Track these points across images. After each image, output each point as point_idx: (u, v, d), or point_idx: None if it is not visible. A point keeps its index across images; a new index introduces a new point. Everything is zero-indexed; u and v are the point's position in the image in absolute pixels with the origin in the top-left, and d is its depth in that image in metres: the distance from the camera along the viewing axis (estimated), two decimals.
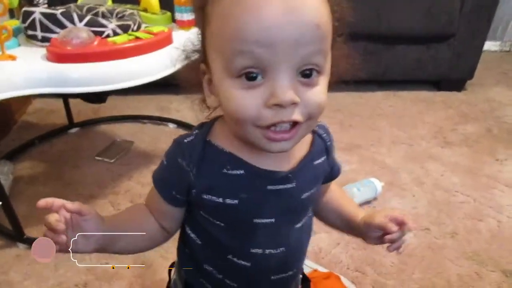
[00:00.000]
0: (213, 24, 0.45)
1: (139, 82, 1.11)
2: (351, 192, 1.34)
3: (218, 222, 0.55)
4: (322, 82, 0.46)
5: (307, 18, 0.41)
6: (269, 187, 0.53)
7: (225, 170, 0.52)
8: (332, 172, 0.63)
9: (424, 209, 1.37)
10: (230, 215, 0.54)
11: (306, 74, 0.44)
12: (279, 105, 0.42)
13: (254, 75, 0.42)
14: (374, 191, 1.38)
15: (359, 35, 2.11)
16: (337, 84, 0.53)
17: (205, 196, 0.53)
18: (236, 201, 0.52)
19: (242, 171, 0.52)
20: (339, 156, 1.65)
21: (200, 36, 0.50)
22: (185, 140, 0.53)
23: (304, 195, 0.56)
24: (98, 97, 1.25)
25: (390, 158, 1.66)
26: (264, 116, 0.43)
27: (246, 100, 0.43)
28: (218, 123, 0.54)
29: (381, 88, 2.32)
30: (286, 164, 0.54)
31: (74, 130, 1.77)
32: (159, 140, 1.64)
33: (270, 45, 0.41)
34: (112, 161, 1.54)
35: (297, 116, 0.44)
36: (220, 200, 0.52)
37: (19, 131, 1.76)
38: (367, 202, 1.37)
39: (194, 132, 0.54)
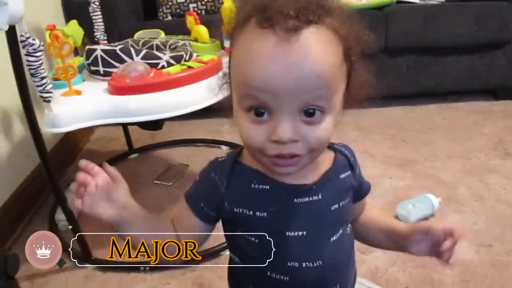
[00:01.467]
0: (232, 62, 0.51)
1: (193, 109, 1.18)
2: (406, 209, 1.32)
3: (252, 239, 0.57)
4: (327, 119, 0.49)
5: (307, 70, 0.45)
6: (296, 200, 0.56)
7: (252, 185, 0.56)
8: (362, 189, 0.65)
9: (486, 224, 1.31)
10: (262, 229, 0.56)
11: (309, 113, 0.47)
12: (280, 142, 0.47)
13: (262, 111, 0.47)
14: (431, 207, 1.34)
15: (406, 49, 2.11)
16: (371, 101, 0.56)
17: (236, 210, 0.56)
18: (265, 214, 0.55)
19: (267, 186, 0.55)
20: (393, 172, 1.63)
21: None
22: (219, 159, 0.59)
23: (333, 207, 0.58)
24: (155, 125, 1.32)
25: (446, 172, 1.61)
26: (268, 148, 0.48)
27: (253, 133, 0.49)
28: None
29: (434, 100, 2.27)
30: (310, 177, 0.57)
31: (133, 155, 1.87)
32: None
33: (272, 93, 0.45)
34: (170, 184, 1.61)
35: (297, 150, 0.48)
36: (251, 213, 0.55)
37: (83, 158, 1.88)
38: (424, 219, 1.34)
39: (228, 154, 0.60)
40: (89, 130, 2.09)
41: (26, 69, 1.01)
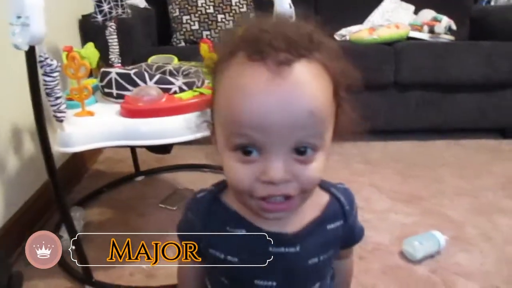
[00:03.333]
0: (217, 98, 0.48)
1: (203, 134, 1.18)
2: (412, 246, 1.30)
3: (222, 279, 0.57)
4: (319, 158, 0.46)
5: (300, 106, 0.42)
6: (271, 249, 0.53)
7: (228, 228, 0.54)
8: (352, 237, 0.61)
9: (494, 266, 1.29)
10: (232, 273, 0.55)
11: (301, 151, 0.45)
12: (271, 182, 0.44)
13: (250, 149, 0.45)
14: (437, 245, 1.32)
15: (416, 85, 2.12)
16: (368, 135, 0.54)
17: (210, 251, 0.55)
18: (236, 259, 0.53)
19: (243, 231, 0.53)
20: (399, 207, 1.61)
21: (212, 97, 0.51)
22: (198, 196, 0.57)
23: (311, 261, 0.55)
24: (164, 149, 1.33)
25: (453, 210, 1.59)
26: (257, 189, 0.45)
27: (241, 174, 0.46)
28: None
29: (442, 137, 2.27)
30: (291, 226, 0.53)
31: (140, 178, 1.87)
32: None
33: (264, 130, 0.43)
34: (174, 208, 1.60)
35: (289, 190, 0.46)
36: (222, 256, 0.54)
37: (90, 179, 1.89)
38: (431, 256, 1.31)
39: (210, 189, 0.58)
40: (97, 150, 2.09)
41: (42, 89, 1.02)
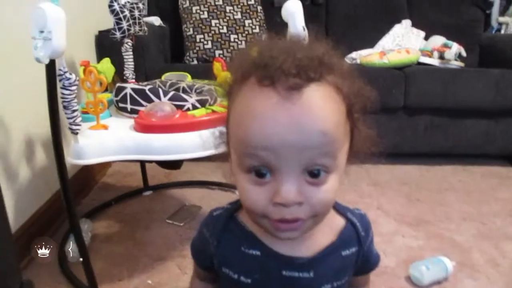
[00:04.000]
0: (230, 120, 0.49)
1: (214, 152, 1.19)
2: (419, 270, 1.29)
3: None
4: (332, 180, 0.46)
5: (311, 126, 0.43)
6: (284, 273, 0.52)
7: (242, 248, 0.54)
8: (367, 264, 0.61)
9: None
10: None
11: (314, 173, 0.45)
12: (283, 205, 0.44)
13: (264, 172, 0.45)
14: (445, 270, 1.31)
15: (425, 109, 2.14)
16: (376, 157, 0.54)
17: (223, 270, 0.55)
18: (249, 280, 0.53)
19: (258, 252, 0.53)
20: (406, 230, 1.61)
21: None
22: (214, 213, 0.58)
23: (324, 287, 0.54)
24: (175, 164, 1.35)
25: (460, 236, 1.59)
26: (270, 211, 0.45)
27: (255, 196, 0.46)
28: None
29: (449, 162, 2.27)
30: (306, 250, 0.53)
31: (148, 193, 1.88)
32: None
33: (275, 151, 0.43)
34: (181, 224, 1.61)
35: (300, 214, 0.45)
36: (236, 276, 0.54)
37: (99, 192, 1.90)
38: (438, 282, 1.30)
39: (226, 206, 0.58)
40: (107, 164, 2.12)
41: (59, 101, 1.05)
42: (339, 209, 0.57)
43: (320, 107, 0.43)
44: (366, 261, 0.60)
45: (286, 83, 0.43)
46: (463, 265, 1.40)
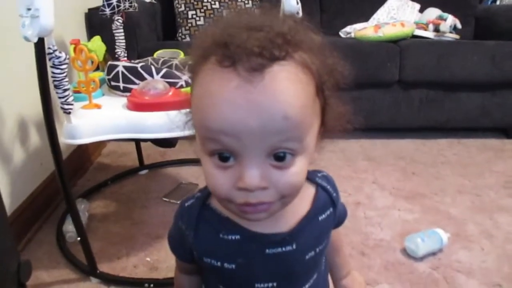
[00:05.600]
0: (192, 102, 0.46)
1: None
2: (414, 242, 1.31)
3: (220, 286, 0.56)
4: (299, 162, 0.44)
5: (272, 111, 0.40)
6: (267, 251, 0.52)
7: (221, 235, 0.52)
8: (340, 218, 0.62)
9: (494, 263, 1.30)
10: (230, 279, 0.54)
11: (279, 157, 0.43)
12: (247, 190, 0.43)
13: (226, 155, 0.43)
14: (440, 242, 1.33)
15: (420, 83, 2.13)
16: (364, 132, 0.53)
17: (205, 259, 0.54)
18: (233, 266, 0.52)
19: (238, 236, 0.52)
20: (401, 204, 1.62)
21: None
22: (186, 204, 0.56)
23: (308, 256, 0.54)
24: (169, 142, 1.34)
25: (455, 208, 1.60)
26: (235, 196, 0.44)
27: (219, 180, 0.44)
28: None
29: (445, 135, 2.28)
30: (285, 224, 0.52)
31: (143, 172, 1.88)
32: None
33: (235, 136, 0.41)
34: (178, 202, 1.60)
35: (266, 198, 0.44)
36: (218, 264, 0.53)
37: (94, 172, 1.90)
38: (432, 254, 1.32)
39: (196, 195, 0.56)
40: (101, 144, 2.11)
41: (50, 81, 1.03)
42: (308, 176, 0.55)
43: (283, 90, 0.40)
44: (339, 216, 0.61)
45: (247, 63, 0.40)
46: (457, 237, 1.41)
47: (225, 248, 0.52)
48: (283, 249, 0.52)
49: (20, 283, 0.72)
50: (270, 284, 0.54)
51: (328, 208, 0.57)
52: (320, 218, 0.55)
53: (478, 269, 1.27)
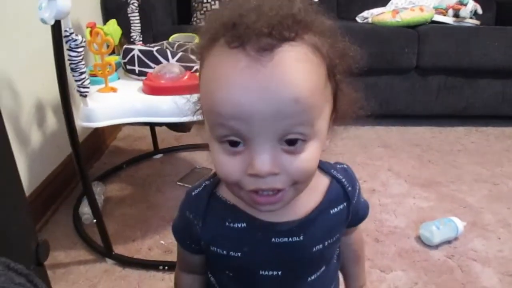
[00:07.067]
0: (201, 87, 0.45)
1: None
2: (429, 230, 1.29)
3: (227, 272, 0.56)
4: (310, 147, 0.43)
5: (283, 94, 0.39)
6: (273, 240, 0.51)
7: (227, 223, 0.52)
8: (357, 216, 0.60)
9: (511, 253, 1.28)
10: (235, 267, 0.54)
11: (290, 142, 0.41)
12: (258, 176, 0.42)
13: (236, 141, 0.42)
14: (455, 230, 1.32)
15: (438, 69, 2.09)
16: (368, 120, 0.50)
17: (211, 248, 0.53)
18: (239, 254, 0.52)
19: (244, 224, 0.51)
20: (417, 192, 1.60)
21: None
22: (193, 193, 0.55)
23: (316, 248, 0.53)
24: (184, 127, 1.34)
25: (472, 197, 1.58)
26: (245, 183, 0.43)
27: (229, 167, 0.43)
28: None
29: (463, 123, 2.24)
30: (293, 215, 0.51)
31: (158, 156, 1.90)
32: None
33: (246, 120, 0.40)
34: None
35: (278, 184, 0.43)
36: (224, 252, 0.53)
37: (110, 155, 1.92)
38: (448, 242, 1.31)
39: (203, 184, 0.55)
40: (117, 127, 2.13)
41: (67, 64, 1.04)
42: (323, 167, 0.55)
43: (293, 71, 0.39)
44: (357, 212, 0.59)
45: (256, 44, 0.39)
46: (474, 225, 1.40)
47: (232, 237, 0.52)
48: (290, 239, 0.51)
49: (39, 263, 0.73)
50: (274, 273, 0.53)
51: (342, 202, 0.55)
52: (331, 212, 0.54)
53: (494, 258, 1.25)
